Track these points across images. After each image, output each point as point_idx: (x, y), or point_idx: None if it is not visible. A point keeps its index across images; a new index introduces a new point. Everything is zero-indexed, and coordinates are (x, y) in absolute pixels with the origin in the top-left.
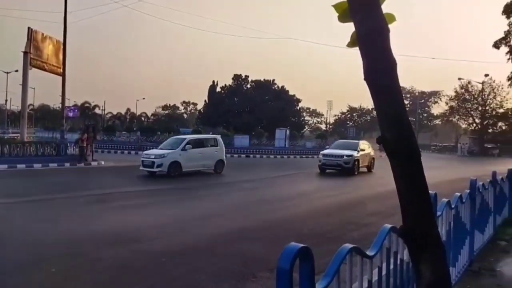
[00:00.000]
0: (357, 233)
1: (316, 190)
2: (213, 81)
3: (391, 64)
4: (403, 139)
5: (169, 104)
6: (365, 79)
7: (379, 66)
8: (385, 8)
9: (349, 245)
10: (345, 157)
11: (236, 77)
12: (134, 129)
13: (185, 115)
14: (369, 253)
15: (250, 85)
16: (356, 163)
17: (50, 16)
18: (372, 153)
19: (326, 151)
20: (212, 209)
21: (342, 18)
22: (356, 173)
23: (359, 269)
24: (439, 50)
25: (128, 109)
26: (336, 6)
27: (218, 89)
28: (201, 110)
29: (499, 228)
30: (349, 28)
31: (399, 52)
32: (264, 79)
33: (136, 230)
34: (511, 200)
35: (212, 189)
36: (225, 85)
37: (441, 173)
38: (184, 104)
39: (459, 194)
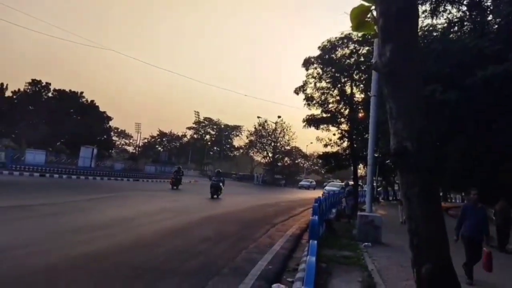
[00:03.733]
0: (194, 262)
1: (135, 215)
2: (1, 84)
3: (420, 54)
4: (427, 150)
5: None
6: (386, 69)
7: (407, 55)
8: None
9: None
10: None
11: (34, 83)
12: None
13: None
14: None
15: (53, 94)
16: None
17: None
18: None
19: None
20: (4, 241)
21: None
22: None
23: None
24: (251, 89)
25: None
26: None
27: (8, 93)
28: None
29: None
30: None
31: (213, 83)
32: (70, 90)
33: None
34: (320, 224)
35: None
36: (19, 90)
37: (248, 199)
38: None
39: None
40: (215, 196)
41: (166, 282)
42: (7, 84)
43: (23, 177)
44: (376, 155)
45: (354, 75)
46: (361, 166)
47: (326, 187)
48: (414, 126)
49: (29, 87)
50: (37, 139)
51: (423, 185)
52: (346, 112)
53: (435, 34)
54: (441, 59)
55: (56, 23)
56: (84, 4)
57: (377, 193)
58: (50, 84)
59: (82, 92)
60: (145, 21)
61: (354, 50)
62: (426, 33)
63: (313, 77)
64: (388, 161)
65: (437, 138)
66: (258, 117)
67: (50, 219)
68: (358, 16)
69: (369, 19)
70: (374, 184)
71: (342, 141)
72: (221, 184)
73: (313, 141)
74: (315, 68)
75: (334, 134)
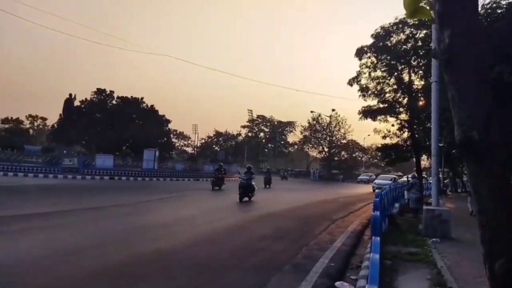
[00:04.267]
0: (255, 259)
1: (197, 215)
2: (70, 94)
3: (482, 36)
4: (496, 139)
5: (11, 117)
6: (445, 56)
7: (469, 38)
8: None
9: None
10: None
11: (99, 92)
12: None
13: (31, 131)
14: None
15: (116, 101)
16: None
17: None
18: None
19: None
20: (80, 240)
21: None
22: None
23: None
24: (300, 84)
25: None
26: None
27: (77, 103)
28: (54, 125)
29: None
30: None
31: (265, 81)
32: (131, 96)
33: None
34: (383, 219)
35: (75, 216)
36: (86, 99)
37: (306, 195)
38: (30, 118)
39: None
40: (246, 199)
41: (230, 278)
42: (75, 94)
43: (95, 180)
44: (440, 144)
45: (412, 61)
46: (424, 157)
47: (376, 181)
48: (479, 113)
49: (95, 96)
50: (104, 144)
51: (493, 176)
52: (405, 101)
53: (499, 11)
54: (507, 38)
55: (115, 34)
56: (140, 13)
57: (444, 185)
58: (113, 92)
59: (142, 98)
60: (197, 24)
61: (410, 35)
62: (489, 11)
63: (367, 66)
64: (454, 151)
65: (508, 123)
66: (312, 112)
67: (120, 219)
68: (412, 2)
69: (425, 4)
70: (440, 175)
71: (401, 131)
72: (252, 182)
73: (371, 133)
74: (369, 57)
75: (392, 125)
